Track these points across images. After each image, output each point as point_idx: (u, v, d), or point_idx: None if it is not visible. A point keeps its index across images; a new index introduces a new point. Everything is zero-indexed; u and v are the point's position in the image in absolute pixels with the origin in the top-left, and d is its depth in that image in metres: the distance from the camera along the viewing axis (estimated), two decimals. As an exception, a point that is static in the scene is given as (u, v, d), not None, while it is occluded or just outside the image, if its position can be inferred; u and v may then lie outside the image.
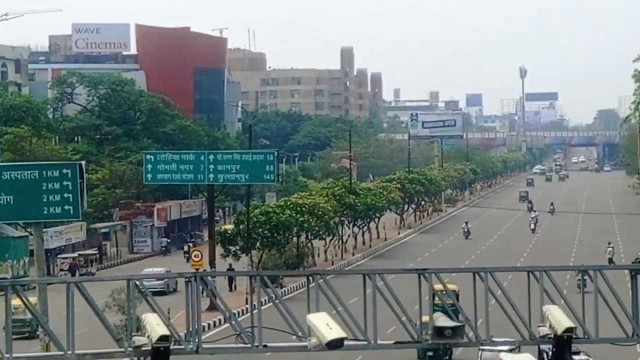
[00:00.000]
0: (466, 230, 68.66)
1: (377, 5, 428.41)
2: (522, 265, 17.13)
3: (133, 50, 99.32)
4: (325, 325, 10.90)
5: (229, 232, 48.38)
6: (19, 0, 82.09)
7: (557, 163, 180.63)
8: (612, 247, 51.52)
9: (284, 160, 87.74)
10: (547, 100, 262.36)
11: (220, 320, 30.74)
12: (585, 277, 15.16)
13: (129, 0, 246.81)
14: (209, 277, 13.09)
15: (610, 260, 47.72)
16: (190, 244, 58.90)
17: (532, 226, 70.33)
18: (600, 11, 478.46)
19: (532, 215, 74.32)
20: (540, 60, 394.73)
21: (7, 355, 10.69)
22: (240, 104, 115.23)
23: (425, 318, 11.95)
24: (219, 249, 45.46)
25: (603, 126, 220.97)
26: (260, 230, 47.87)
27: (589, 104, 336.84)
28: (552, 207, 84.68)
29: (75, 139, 73.07)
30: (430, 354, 27.08)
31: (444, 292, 12.03)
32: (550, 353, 14.90)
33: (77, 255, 53.65)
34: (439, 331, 11.05)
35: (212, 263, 42.86)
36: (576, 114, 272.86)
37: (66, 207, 26.01)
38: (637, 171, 72.55)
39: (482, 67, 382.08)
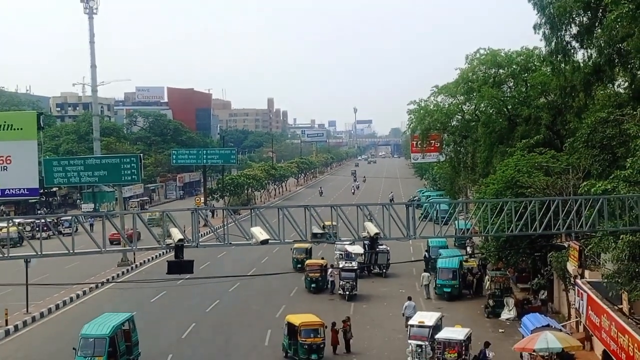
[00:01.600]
0: (320, 191, 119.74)
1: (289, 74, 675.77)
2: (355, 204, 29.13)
3: (165, 99, 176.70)
4: (260, 233, 21.11)
5: (213, 188, 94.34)
6: (105, 65, 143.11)
7: (371, 154, 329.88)
8: (392, 193, 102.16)
9: (241, 152, 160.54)
10: (367, 123, 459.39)
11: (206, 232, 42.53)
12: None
13: (164, 72, 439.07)
14: (204, 211, 23.76)
15: (391, 200, 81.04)
16: (195, 194, 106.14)
17: (353, 191, 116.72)
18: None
19: (354, 184, 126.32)
20: (364, 101, 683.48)
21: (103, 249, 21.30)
22: (218, 126, 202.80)
23: (315, 229, 22.71)
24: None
25: (393, 135, 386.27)
26: (228, 187, 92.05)
27: (386, 124, 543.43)
28: (364, 178, 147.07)
29: (137, 143, 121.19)
30: (313, 285, 43.65)
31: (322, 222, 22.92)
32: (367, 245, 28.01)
33: (139, 200, 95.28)
34: (314, 235, 21.70)
35: (205, 203, 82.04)
36: (380, 130, 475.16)
37: (133, 176, 51.30)
38: (409, 157, 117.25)
39: (334, 104, 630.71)
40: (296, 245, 48.07)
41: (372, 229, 20.82)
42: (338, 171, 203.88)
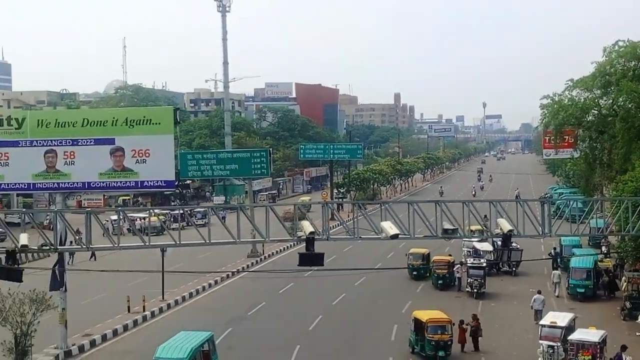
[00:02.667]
0: (440, 191, 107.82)
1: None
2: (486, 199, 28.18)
3: (294, 94, 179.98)
4: (389, 227, 21.19)
5: (340, 182, 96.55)
6: (236, 62, 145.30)
7: (500, 150, 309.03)
8: (518, 189, 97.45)
9: (367, 147, 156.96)
10: (496, 118, 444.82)
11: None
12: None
13: (292, 67, 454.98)
14: (332, 204, 24.01)
15: (517, 197, 79.60)
16: (322, 189, 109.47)
17: (474, 192, 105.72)
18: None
19: (474, 185, 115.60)
20: (494, 96, 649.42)
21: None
22: (345, 121, 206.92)
23: (446, 225, 22.39)
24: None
25: (524, 131, 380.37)
26: (354, 181, 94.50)
27: (516, 119, 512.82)
28: (490, 177, 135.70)
29: (266, 138, 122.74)
30: (440, 281, 43.14)
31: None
32: (497, 243, 27.37)
33: (267, 193, 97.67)
34: (445, 231, 21.47)
35: (331, 197, 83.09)
36: (511, 125, 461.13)
37: (262, 170, 52.53)
38: (541, 154, 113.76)
39: (463, 99, 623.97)
40: (412, 250, 47.54)
41: (505, 225, 20.39)
42: (466, 167, 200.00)
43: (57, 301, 29.78)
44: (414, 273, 46.14)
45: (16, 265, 21.37)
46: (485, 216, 23.92)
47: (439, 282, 43.61)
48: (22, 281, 21.79)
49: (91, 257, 52.98)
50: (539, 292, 36.48)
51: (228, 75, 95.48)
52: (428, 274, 45.62)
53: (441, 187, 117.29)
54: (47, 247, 24.41)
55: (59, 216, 23.23)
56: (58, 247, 24.58)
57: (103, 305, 39.45)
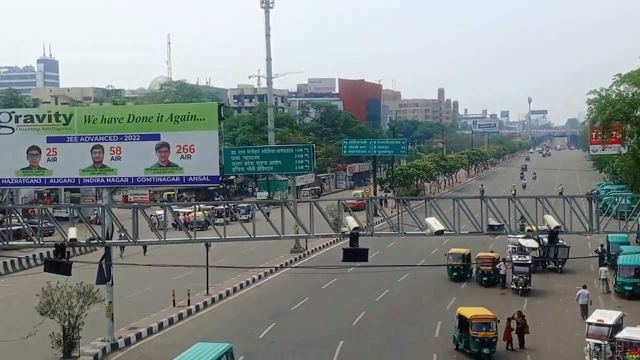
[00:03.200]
0: (481, 189, 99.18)
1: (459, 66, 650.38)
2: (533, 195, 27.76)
3: (337, 90, 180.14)
4: (434, 223, 21.06)
5: (383, 178, 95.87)
6: (279, 57, 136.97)
7: (546, 146, 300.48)
8: (562, 186, 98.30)
9: (410, 143, 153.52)
10: (542, 114, 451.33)
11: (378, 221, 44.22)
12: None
13: (335, 63, 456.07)
14: (376, 200, 23.96)
15: (560, 193, 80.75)
16: (365, 184, 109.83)
17: (513, 191, 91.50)
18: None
19: (514, 184, 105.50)
20: (539, 91, 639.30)
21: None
22: (388, 117, 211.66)
23: (491, 220, 22.16)
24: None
25: (570, 126, 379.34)
26: (398, 177, 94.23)
27: (562, 115, 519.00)
28: (534, 175, 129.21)
29: (309, 134, 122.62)
30: (485, 278, 42.31)
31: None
32: (543, 239, 27.25)
33: (310, 189, 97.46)
34: (491, 227, 21.25)
35: (374, 193, 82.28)
36: (556, 120, 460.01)
37: (305, 165, 52.82)
38: (588, 149, 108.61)
39: (508, 95, 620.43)
40: (452, 250, 46.90)
41: (552, 222, 20.13)
42: (511, 162, 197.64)
43: (104, 294, 30.26)
44: (454, 274, 45.02)
45: (65, 259, 21.75)
46: (522, 217, 23.60)
47: (484, 278, 43.20)
48: (71, 274, 22.18)
49: (144, 251, 53.71)
50: (584, 287, 36.21)
51: (271, 71, 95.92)
52: (469, 275, 45.05)
53: (482, 185, 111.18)
54: (95, 242, 24.79)
55: (106, 210, 23.54)
56: (106, 241, 24.91)
57: (149, 299, 39.96)
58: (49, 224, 46.13)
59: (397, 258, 50.63)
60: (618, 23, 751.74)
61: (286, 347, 31.19)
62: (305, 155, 52.51)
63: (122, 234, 24.86)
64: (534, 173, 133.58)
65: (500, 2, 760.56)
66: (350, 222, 20.80)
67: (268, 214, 44.43)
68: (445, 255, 46.58)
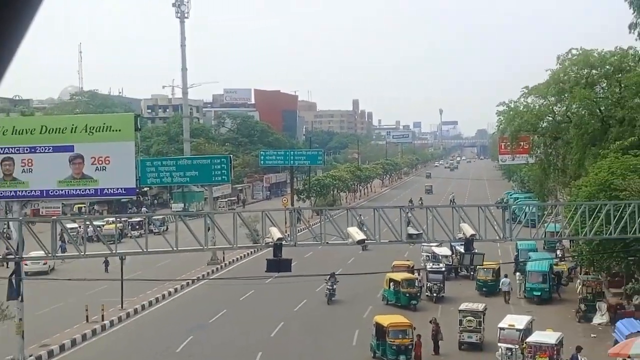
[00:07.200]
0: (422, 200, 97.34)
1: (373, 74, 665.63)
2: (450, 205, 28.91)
3: (252, 101, 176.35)
4: (356, 233, 21.36)
5: (300, 189, 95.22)
6: (193, 68, 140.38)
7: (455, 157, 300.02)
8: (453, 194, 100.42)
9: (326, 153, 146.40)
10: (452, 124, 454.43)
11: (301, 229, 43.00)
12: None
13: (250, 74, 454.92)
14: (300, 211, 24.14)
15: (451, 201, 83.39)
16: (282, 195, 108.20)
17: (420, 201, 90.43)
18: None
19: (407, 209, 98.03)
20: (450, 103, 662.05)
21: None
22: (304, 127, 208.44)
23: (410, 229, 22.66)
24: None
25: (479, 137, 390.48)
26: (314, 187, 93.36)
27: (472, 126, 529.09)
28: (420, 200, 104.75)
29: (225, 144, 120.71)
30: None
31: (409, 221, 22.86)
32: (456, 247, 28.23)
33: (227, 200, 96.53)
34: (410, 235, 21.74)
35: (292, 203, 79.81)
36: (466, 131, 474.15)
37: (223, 176, 52.71)
38: (497, 159, 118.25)
39: (420, 106, 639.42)
40: (395, 262, 46.06)
41: (468, 230, 20.71)
42: (423, 172, 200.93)
43: (14, 311, 29.30)
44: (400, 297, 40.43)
45: None
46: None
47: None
48: None
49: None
50: (506, 276, 40.41)
51: (187, 82, 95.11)
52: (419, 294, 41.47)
53: (421, 198, 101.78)
54: (12, 257, 24.05)
55: (19, 225, 22.89)
56: (21, 256, 24.21)
57: (62, 314, 38.92)
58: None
59: (315, 268, 50.86)
60: (525, 36, 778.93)
61: (205, 360, 30.96)
62: (223, 166, 52.42)
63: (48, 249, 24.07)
64: (420, 199, 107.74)
65: (408, 14, 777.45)
66: (274, 232, 20.90)
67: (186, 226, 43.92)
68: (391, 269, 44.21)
